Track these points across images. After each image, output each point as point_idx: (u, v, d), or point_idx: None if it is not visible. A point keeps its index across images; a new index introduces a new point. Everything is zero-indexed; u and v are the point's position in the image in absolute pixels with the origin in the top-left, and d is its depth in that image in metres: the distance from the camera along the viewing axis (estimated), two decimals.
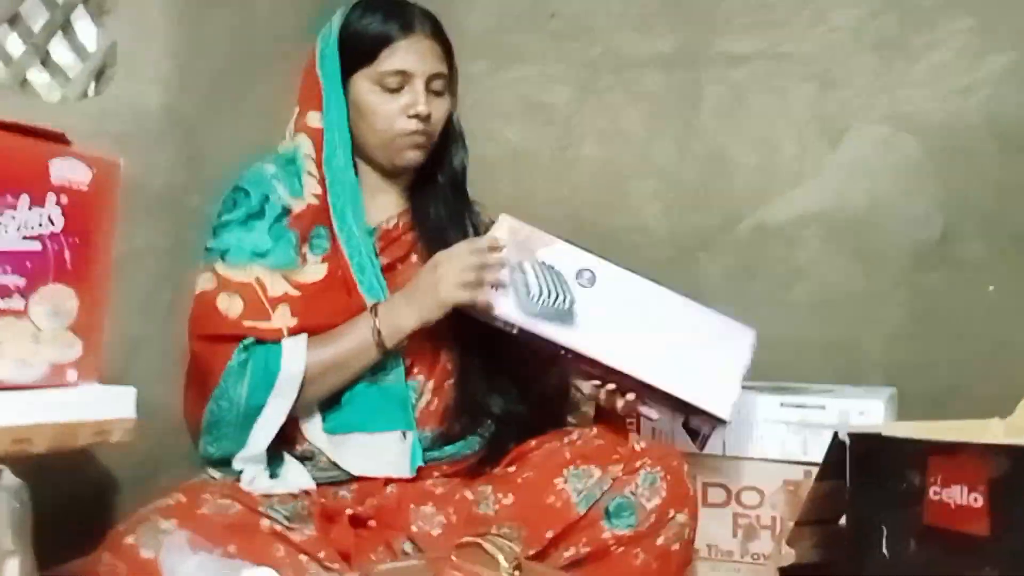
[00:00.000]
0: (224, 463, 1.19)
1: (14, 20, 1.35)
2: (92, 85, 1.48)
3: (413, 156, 1.28)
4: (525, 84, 2.04)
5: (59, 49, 1.46)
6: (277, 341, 1.16)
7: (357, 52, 1.26)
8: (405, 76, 1.25)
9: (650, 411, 1.21)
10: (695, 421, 1.21)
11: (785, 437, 1.37)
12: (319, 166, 1.26)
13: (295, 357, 1.15)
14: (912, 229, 1.82)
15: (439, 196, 1.35)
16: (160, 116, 1.49)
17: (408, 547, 1.12)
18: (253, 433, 1.15)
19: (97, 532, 1.06)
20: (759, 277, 1.91)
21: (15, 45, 1.39)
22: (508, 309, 1.18)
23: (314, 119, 1.27)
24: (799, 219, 1.89)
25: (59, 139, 0.89)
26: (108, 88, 1.47)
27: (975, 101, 1.78)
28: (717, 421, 1.19)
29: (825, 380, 1.66)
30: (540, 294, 1.19)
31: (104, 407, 0.90)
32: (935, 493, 0.77)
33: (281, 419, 1.16)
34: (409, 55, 1.25)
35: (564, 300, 1.20)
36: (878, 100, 1.85)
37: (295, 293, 1.20)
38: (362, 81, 1.26)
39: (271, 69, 1.76)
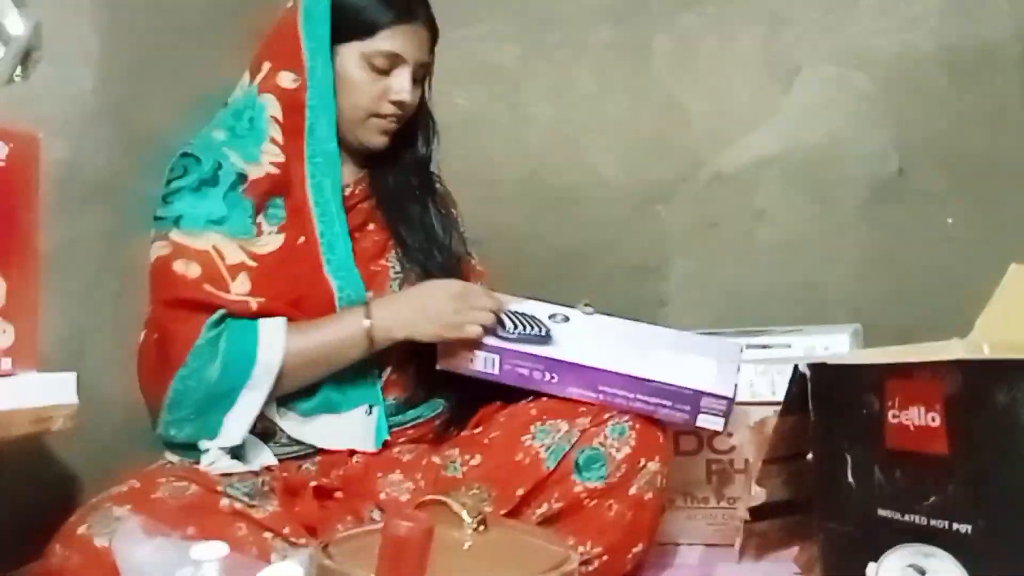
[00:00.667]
0: (184, 446, 1.15)
1: None
2: (17, 69, 1.42)
3: (380, 140, 1.26)
4: (472, 45, 2.00)
5: None
6: (246, 315, 1.13)
7: (352, 24, 1.21)
8: (397, 59, 1.22)
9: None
10: (702, 419, 1.15)
11: (753, 379, 1.36)
12: (286, 132, 1.21)
13: (273, 346, 1.12)
14: (870, 165, 1.82)
15: (400, 169, 1.32)
16: (92, 97, 1.44)
17: (376, 515, 1.09)
18: (226, 425, 1.11)
19: (56, 530, 1.02)
20: (721, 225, 1.91)
21: None
22: (488, 339, 1.17)
23: (287, 79, 1.22)
24: (757, 163, 1.88)
25: None
26: (34, 71, 1.41)
27: (923, 32, 1.78)
28: (720, 403, 1.14)
29: (793, 323, 1.66)
30: (516, 327, 1.19)
31: (43, 394, 0.86)
32: (894, 416, 0.76)
33: (256, 410, 1.12)
34: (408, 41, 1.22)
35: (540, 330, 1.20)
36: (827, 38, 1.84)
37: (252, 264, 1.16)
38: (350, 54, 1.22)
39: (206, 43, 1.71)
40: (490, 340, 1.18)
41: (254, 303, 1.14)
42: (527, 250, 1.97)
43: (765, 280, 1.87)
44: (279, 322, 1.14)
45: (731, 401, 1.14)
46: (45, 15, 1.42)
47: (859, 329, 1.52)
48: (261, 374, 1.11)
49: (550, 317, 1.24)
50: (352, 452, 1.19)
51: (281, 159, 1.21)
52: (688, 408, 1.14)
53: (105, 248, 1.43)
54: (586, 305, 1.28)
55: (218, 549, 0.71)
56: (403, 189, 1.31)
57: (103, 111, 1.45)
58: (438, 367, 1.20)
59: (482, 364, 1.18)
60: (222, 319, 1.12)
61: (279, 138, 1.21)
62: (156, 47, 1.58)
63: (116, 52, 1.48)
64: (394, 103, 1.23)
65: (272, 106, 1.22)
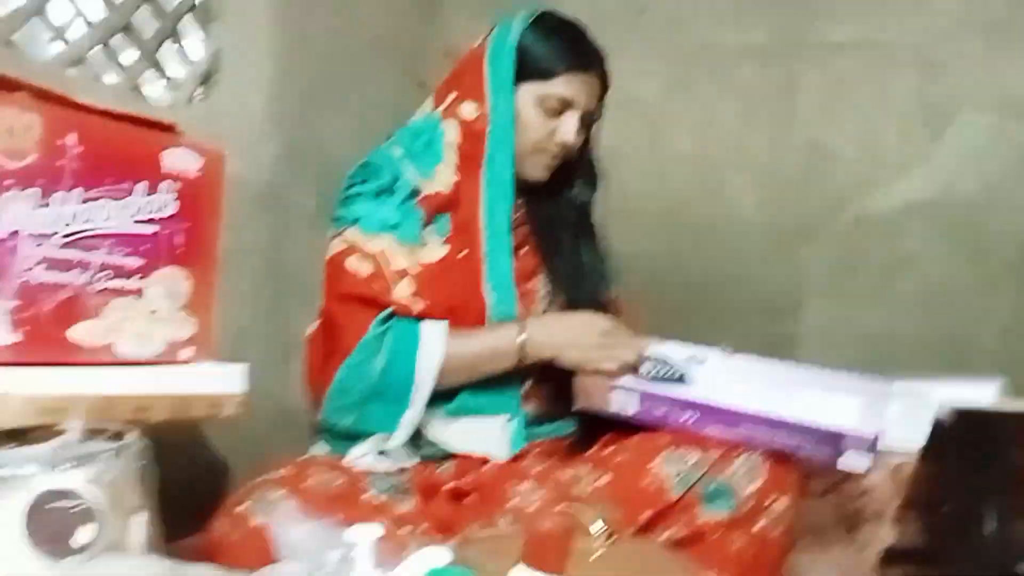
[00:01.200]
0: (337, 439, 1.22)
1: (126, 29, 1.43)
2: (199, 89, 1.55)
3: (541, 175, 1.33)
4: (616, 78, 2.03)
5: (168, 56, 1.54)
6: (409, 316, 1.20)
7: (532, 67, 1.29)
8: (568, 104, 1.29)
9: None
10: (845, 459, 1.11)
11: (888, 426, 1.32)
12: (463, 157, 1.29)
13: (434, 347, 1.18)
14: (1023, 219, 1.75)
15: (561, 203, 1.39)
16: (264, 117, 1.56)
17: (507, 521, 1.12)
18: (403, 425, 1.18)
19: (209, 513, 1.11)
20: (862, 270, 1.87)
21: (128, 53, 1.47)
22: (623, 380, 1.20)
23: (469, 110, 1.30)
24: (904, 209, 1.84)
25: (171, 130, 0.95)
26: (214, 92, 1.54)
27: None
28: (864, 447, 1.10)
29: (932, 375, 1.61)
30: (652, 368, 1.21)
31: (217, 382, 0.95)
32: None
33: (422, 411, 1.19)
34: (581, 89, 1.29)
35: (675, 372, 1.21)
36: (986, 86, 1.79)
37: (416, 270, 1.24)
38: (527, 93, 1.29)
39: (368, 72, 1.82)
40: (627, 381, 1.20)
41: (417, 305, 1.21)
42: (661, 282, 1.98)
43: (904, 330, 1.81)
44: (441, 325, 1.21)
45: (876, 441, 1.11)
46: (227, 40, 1.56)
47: (1006, 383, 1.45)
48: (423, 373, 1.18)
49: (686, 360, 1.24)
50: (485, 460, 1.23)
51: (455, 179, 1.29)
52: (831, 449, 1.11)
53: (266, 257, 1.54)
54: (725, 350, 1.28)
55: (372, 531, 0.76)
56: (561, 223, 1.38)
57: (273, 130, 1.57)
58: (575, 408, 1.24)
59: (619, 405, 1.20)
60: (389, 317, 1.19)
61: (456, 161, 1.29)
62: (325, 74, 1.69)
63: (287, 78, 1.60)
64: (559, 144, 1.30)
65: (453, 132, 1.30)
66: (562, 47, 1.30)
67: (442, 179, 1.28)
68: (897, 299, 1.83)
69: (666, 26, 2.02)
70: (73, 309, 0.86)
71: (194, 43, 1.59)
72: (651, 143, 2.02)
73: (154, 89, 1.56)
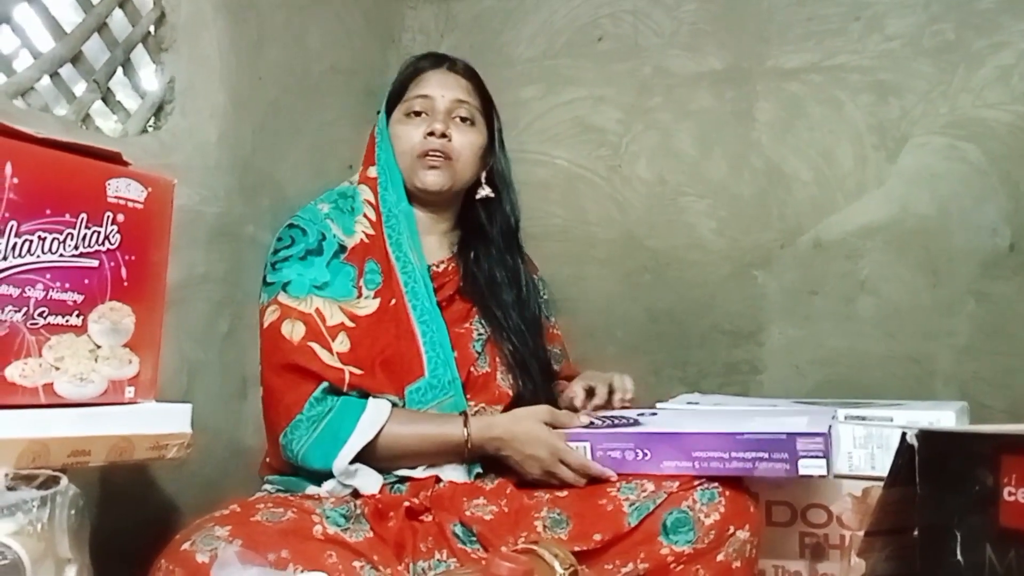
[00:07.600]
0: (288, 477, 1.25)
1: (77, 58, 1.40)
2: (151, 120, 1.52)
3: (432, 177, 1.36)
4: (576, 107, 2.05)
5: (119, 86, 1.50)
6: (339, 384, 1.21)
7: (396, 94, 1.40)
8: (427, 100, 1.36)
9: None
10: (803, 465, 1.12)
11: (852, 451, 1.32)
12: (376, 209, 1.36)
13: (364, 434, 1.19)
14: (980, 238, 1.76)
15: (491, 248, 1.43)
16: (217, 148, 1.53)
17: (459, 529, 1.12)
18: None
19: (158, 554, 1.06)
20: (821, 292, 1.87)
21: (78, 83, 1.43)
22: (578, 431, 1.22)
23: (371, 171, 1.40)
24: (861, 231, 1.84)
25: (116, 159, 0.92)
26: (166, 123, 1.51)
27: None
28: (817, 442, 1.11)
29: (893, 396, 1.62)
30: (604, 423, 1.25)
31: (161, 422, 0.91)
32: (1010, 494, 0.73)
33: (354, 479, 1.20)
34: (432, 82, 1.38)
35: (629, 421, 1.24)
36: (939, 107, 1.80)
37: (351, 324, 1.26)
38: (395, 116, 1.39)
39: (324, 102, 1.80)
40: (580, 431, 1.21)
41: (347, 373, 1.22)
42: (621, 311, 1.97)
43: (866, 352, 1.82)
44: (379, 415, 1.21)
45: (828, 439, 1.10)
46: (179, 70, 1.53)
47: (966, 407, 1.46)
48: (344, 458, 1.18)
49: (639, 414, 1.29)
50: (439, 479, 1.24)
51: (372, 231, 1.34)
52: (786, 455, 1.11)
53: (220, 289, 1.50)
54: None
55: None
56: (495, 276, 1.42)
57: (227, 162, 1.54)
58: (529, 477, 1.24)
59: None
60: (324, 395, 1.20)
61: (371, 214, 1.36)
62: (280, 105, 1.67)
63: (241, 108, 1.57)
64: (430, 135, 1.35)
65: (366, 192, 1.38)
66: (409, 64, 1.43)
67: (361, 229, 1.34)
68: (857, 321, 1.84)
69: (623, 54, 2.02)
70: (8, 347, 0.82)
71: (147, 73, 1.56)
72: (610, 170, 2.02)
73: (106, 120, 1.52)
